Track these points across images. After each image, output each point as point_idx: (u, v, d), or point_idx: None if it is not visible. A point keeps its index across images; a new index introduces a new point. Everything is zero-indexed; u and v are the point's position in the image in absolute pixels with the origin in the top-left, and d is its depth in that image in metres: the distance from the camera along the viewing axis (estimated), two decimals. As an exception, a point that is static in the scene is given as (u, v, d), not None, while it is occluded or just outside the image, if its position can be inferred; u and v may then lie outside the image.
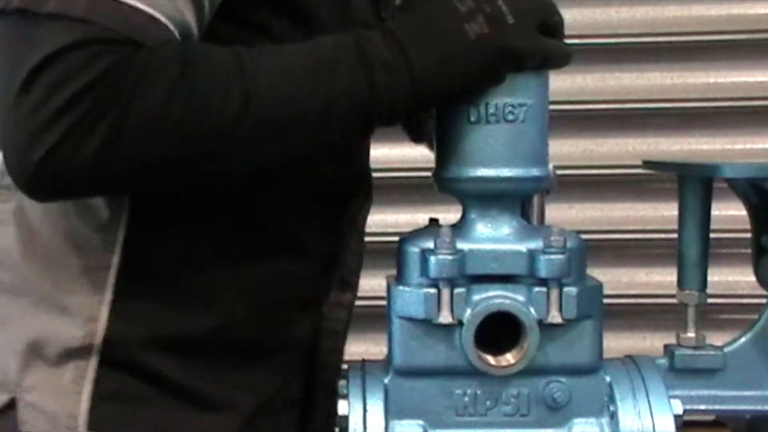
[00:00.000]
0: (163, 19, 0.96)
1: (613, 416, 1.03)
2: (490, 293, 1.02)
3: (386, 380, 1.04)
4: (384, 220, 2.39)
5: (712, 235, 1.19)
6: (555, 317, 1.01)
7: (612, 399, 1.04)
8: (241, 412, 1.11)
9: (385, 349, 1.05)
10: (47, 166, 0.93)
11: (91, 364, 1.07)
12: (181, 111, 0.95)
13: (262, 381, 1.13)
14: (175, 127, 0.96)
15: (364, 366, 1.06)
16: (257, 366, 1.12)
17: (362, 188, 1.23)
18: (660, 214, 2.35)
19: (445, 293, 1.00)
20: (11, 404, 1.09)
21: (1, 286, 1.11)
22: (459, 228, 1.05)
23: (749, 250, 1.22)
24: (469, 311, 1.01)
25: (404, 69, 1.00)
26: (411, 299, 1.02)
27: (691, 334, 1.16)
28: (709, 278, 1.19)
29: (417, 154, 2.00)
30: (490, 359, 1.02)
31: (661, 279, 2.34)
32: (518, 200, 1.07)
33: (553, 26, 1.05)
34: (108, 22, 0.93)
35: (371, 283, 2.34)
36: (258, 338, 1.12)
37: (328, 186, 1.15)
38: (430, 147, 1.19)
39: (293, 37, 1.04)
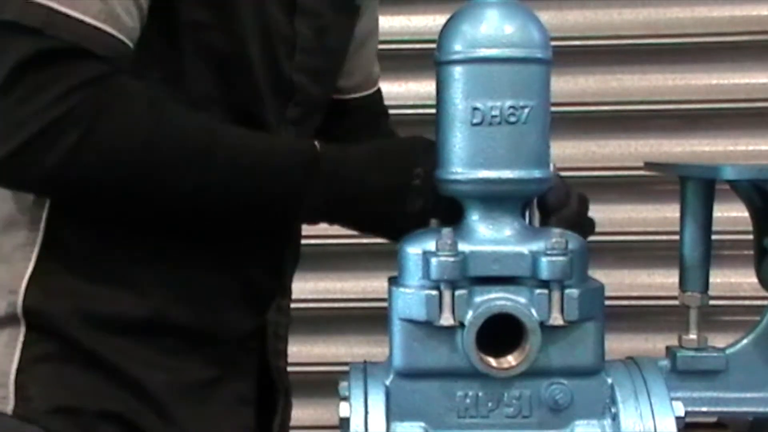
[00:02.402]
0: (110, 30, 1.07)
1: (615, 418, 1.03)
2: (492, 295, 1.02)
3: (388, 382, 1.04)
4: (386, 222, 2.39)
5: (714, 237, 1.19)
6: (557, 319, 1.01)
7: (614, 401, 1.04)
8: (152, 390, 1.18)
9: (386, 351, 1.05)
10: (14, 163, 1.05)
11: (22, 331, 1.16)
12: (143, 144, 1.07)
13: (187, 368, 1.20)
14: (135, 157, 1.07)
15: (365, 368, 1.06)
16: (183, 352, 1.20)
17: None
18: (662, 215, 2.35)
19: (447, 295, 1.00)
20: None
21: None
22: (460, 230, 1.05)
23: (751, 252, 1.22)
24: (470, 313, 1.01)
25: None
26: (412, 301, 1.02)
27: (693, 336, 1.16)
28: (711, 280, 1.19)
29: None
30: (492, 361, 1.02)
31: (663, 281, 2.34)
32: (520, 202, 1.07)
33: None
34: (63, 34, 1.04)
35: (373, 285, 2.35)
36: (185, 326, 1.20)
37: None
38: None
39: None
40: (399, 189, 1.15)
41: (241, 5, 1.17)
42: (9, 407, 1.14)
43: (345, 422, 1.02)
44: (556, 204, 1.16)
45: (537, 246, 1.02)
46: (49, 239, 1.16)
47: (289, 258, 1.33)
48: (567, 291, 1.01)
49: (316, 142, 1.16)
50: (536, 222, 1.11)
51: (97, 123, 1.05)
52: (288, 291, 1.34)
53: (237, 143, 1.13)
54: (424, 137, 1.18)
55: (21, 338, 1.15)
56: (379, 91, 1.52)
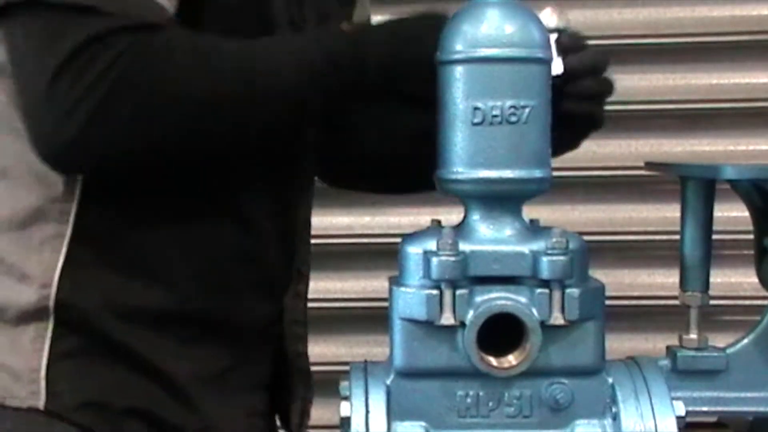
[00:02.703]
0: (161, 1, 1.08)
1: (616, 417, 1.03)
2: (493, 295, 1.02)
3: (388, 381, 1.04)
4: (387, 222, 2.39)
5: (714, 237, 1.19)
6: (557, 318, 1.01)
7: (614, 400, 1.04)
8: (180, 380, 1.19)
9: (386, 351, 1.05)
10: (79, 144, 1.06)
11: (49, 325, 1.16)
12: (199, 86, 1.08)
13: (210, 356, 1.21)
14: (194, 100, 1.08)
15: (366, 367, 1.06)
16: (206, 341, 1.21)
17: (303, 190, 1.33)
18: (662, 215, 2.34)
19: (447, 295, 1.00)
20: None
21: None
22: (461, 229, 1.05)
23: (751, 252, 1.22)
24: (471, 313, 1.01)
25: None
26: (413, 301, 1.02)
27: (693, 336, 1.16)
28: (712, 280, 1.19)
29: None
30: (493, 361, 1.02)
31: (664, 280, 2.34)
32: (521, 202, 1.07)
33: None
34: (117, 9, 1.05)
35: (373, 284, 2.36)
36: (209, 315, 1.21)
37: (275, 179, 1.25)
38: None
39: None
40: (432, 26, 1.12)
41: None
42: (41, 402, 1.15)
43: (346, 422, 1.02)
44: (570, 45, 1.16)
45: (537, 246, 1.02)
46: (78, 231, 1.16)
47: (302, 244, 1.34)
48: (567, 290, 1.01)
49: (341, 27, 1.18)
50: (558, 65, 1.12)
51: (148, 84, 1.06)
52: (303, 276, 1.34)
53: (281, 46, 1.15)
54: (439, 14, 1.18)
55: (49, 333, 1.16)
56: None
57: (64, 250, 1.16)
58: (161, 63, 1.07)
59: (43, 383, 1.15)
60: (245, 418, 1.27)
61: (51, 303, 1.15)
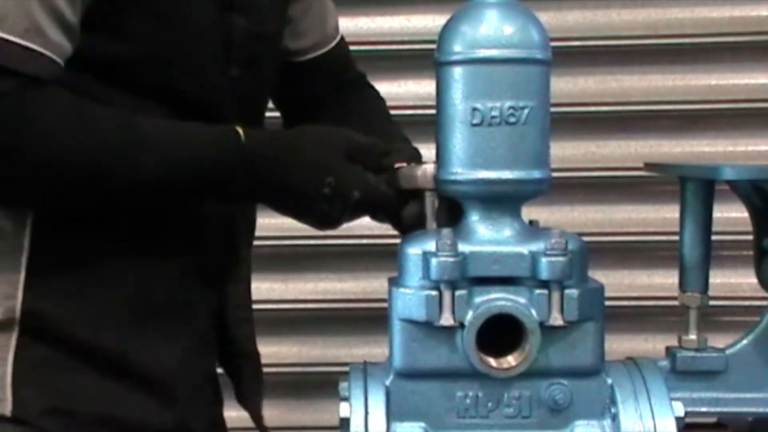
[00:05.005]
0: (48, 53, 1.07)
1: (615, 418, 1.03)
2: (492, 295, 1.02)
3: (388, 382, 1.04)
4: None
5: (713, 237, 1.19)
6: (556, 319, 1.01)
7: (614, 401, 1.04)
8: (158, 374, 1.20)
9: (386, 351, 1.05)
10: None
11: (14, 335, 1.17)
12: (69, 151, 1.09)
13: (176, 346, 1.22)
14: (62, 163, 1.08)
15: (365, 368, 1.06)
16: (169, 331, 1.21)
17: None
18: (662, 216, 2.35)
19: (447, 295, 1.00)
20: None
21: None
22: (460, 230, 1.05)
23: (751, 253, 1.22)
24: (470, 313, 1.01)
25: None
26: (412, 301, 1.02)
27: (692, 336, 1.16)
28: (711, 280, 1.19)
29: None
30: (492, 361, 1.02)
31: (663, 281, 2.34)
32: (520, 202, 1.07)
33: None
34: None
35: (373, 285, 2.36)
36: (169, 302, 1.22)
37: None
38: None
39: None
40: (309, 192, 1.17)
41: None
42: (7, 409, 1.16)
43: (345, 422, 1.02)
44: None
45: (537, 246, 1.02)
46: (36, 240, 1.17)
47: (243, 229, 1.34)
48: (567, 291, 1.01)
49: (239, 130, 1.17)
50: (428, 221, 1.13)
51: (19, 136, 1.06)
52: (246, 261, 1.35)
53: (159, 138, 1.14)
54: (351, 132, 1.22)
55: (14, 344, 1.17)
56: (339, 44, 1.49)
57: (24, 261, 1.17)
58: (40, 119, 1.07)
59: (9, 390, 1.16)
60: (207, 408, 1.29)
61: (17, 314, 1.17)
